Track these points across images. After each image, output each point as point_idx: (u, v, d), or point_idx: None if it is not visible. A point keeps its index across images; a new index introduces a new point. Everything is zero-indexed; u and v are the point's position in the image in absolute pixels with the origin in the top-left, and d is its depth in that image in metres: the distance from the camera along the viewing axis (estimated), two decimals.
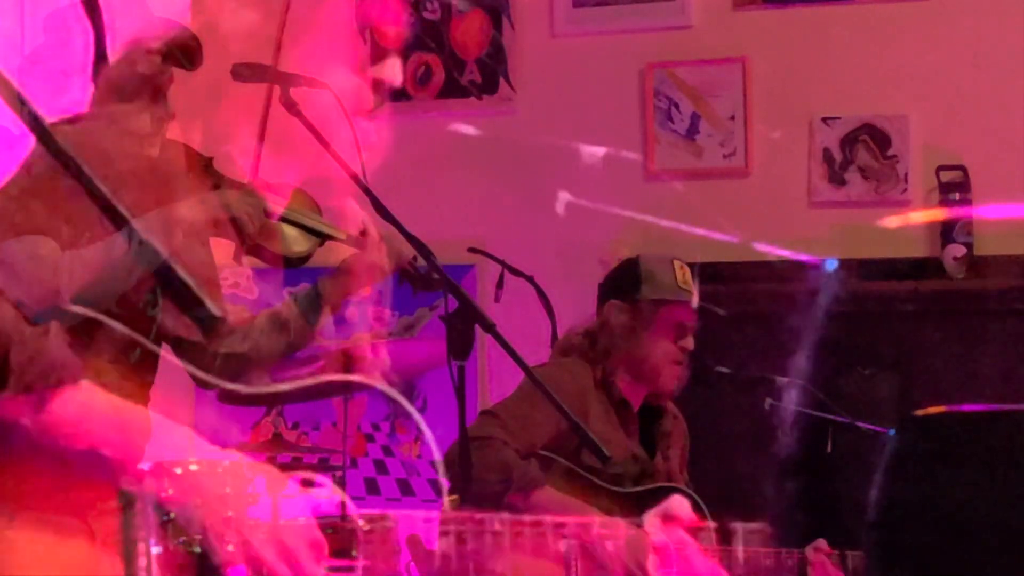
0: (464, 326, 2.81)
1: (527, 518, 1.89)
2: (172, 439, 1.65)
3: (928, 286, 4.67)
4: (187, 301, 1.54)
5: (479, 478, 2.96)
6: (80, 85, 2.83)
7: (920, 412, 1.76)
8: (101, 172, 1.53)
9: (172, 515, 1.58)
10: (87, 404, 1.64)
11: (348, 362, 3.61)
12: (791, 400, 4.16)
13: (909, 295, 4.68)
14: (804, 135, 4.88)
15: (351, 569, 1.75)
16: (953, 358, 4.57)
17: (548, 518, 1.92)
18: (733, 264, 4.77)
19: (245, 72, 3.05)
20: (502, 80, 5.18)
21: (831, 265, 4.66)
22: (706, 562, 2.71)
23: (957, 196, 4.65)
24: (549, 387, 2.86)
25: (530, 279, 4.46)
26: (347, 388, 3.93)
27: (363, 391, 4.55)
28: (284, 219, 3.08)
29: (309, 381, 2.73)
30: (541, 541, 1.87)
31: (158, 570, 1.57)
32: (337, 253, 3.14)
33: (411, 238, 2.89)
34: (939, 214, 4.68)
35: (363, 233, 3.09)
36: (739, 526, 2.84)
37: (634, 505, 3.37)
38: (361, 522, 1.75)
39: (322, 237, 3.15)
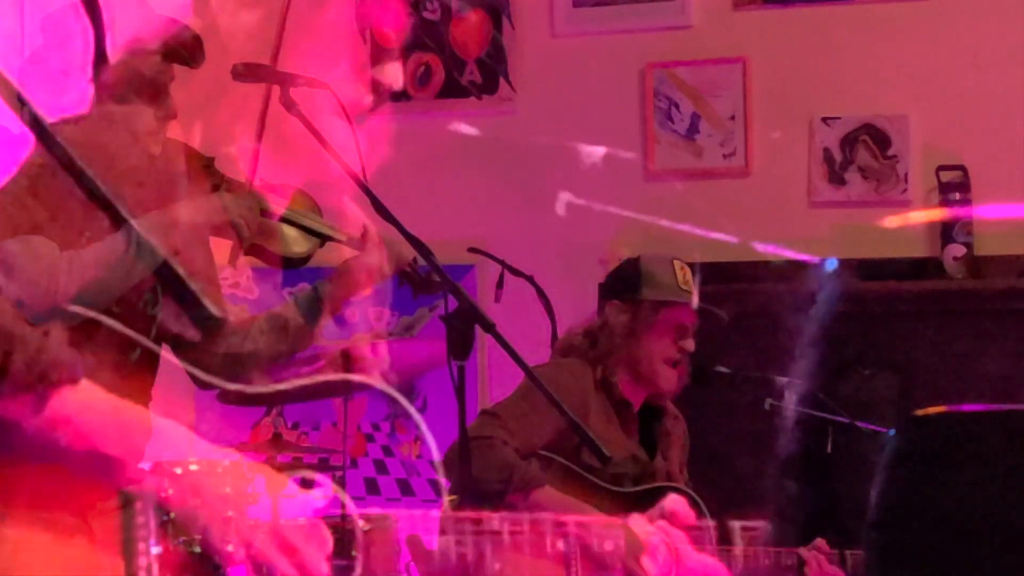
0: (464, 326, 2.81)
1: (526, 517, 1.89)
2: (171, 439, 1.65)
3: (928, 286, 4.67)
4: (187, 301, 1.54)
5: (479, 478, 2.96)
6: (80, 85, 2.83)
7: (920, 412, 1.76)
8: (102, 172, 1.53)
9: (172, 515, 1.58)
10: (87, 404, 1.64)
11: (348, 362, 3.61)
12: (791, 400, 4.16)
13: (909, 295, 4.68)
14: (804, 135, 4.88)
15: (351, 569, 1.75)
16: (953, 358, 4.56)
17: (547, 517, 1.92)
18: (733, 264, 4.77)
19: (245, 72, 3.05)
20: (502, 80, 5.18)
21: (831, 265, 4.66)
22: (700, 557, 2.71)
23: (957, 196, 4.65)
24: (549, 387, 2.86)
25: (530, 279, 4.46)
26: (347, 388, 3.93)
27: (363, 391, 4.54)
28: (284, 219, 3.08)
29: (309, 380, 2.73)
30: (540, 540, 1.87)
31: (158, 570, 1.57)
32: (337, 254, 3.14)
33: (411, 238, 2.89)
34: (939, 214, 4.68)
35: (363, 235, 3.09)
36: (736, 524, 2.84)
37: (634, 505, 3.37)
38: (361, 522, 1.75)
39: (322, 238, 3.15)
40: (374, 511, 1.81)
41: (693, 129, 5.00)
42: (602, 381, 3.60)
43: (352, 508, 1.78)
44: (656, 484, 3.53)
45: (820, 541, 3.59)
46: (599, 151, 4.87)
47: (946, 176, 4.68)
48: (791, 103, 4.89)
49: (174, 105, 2.93)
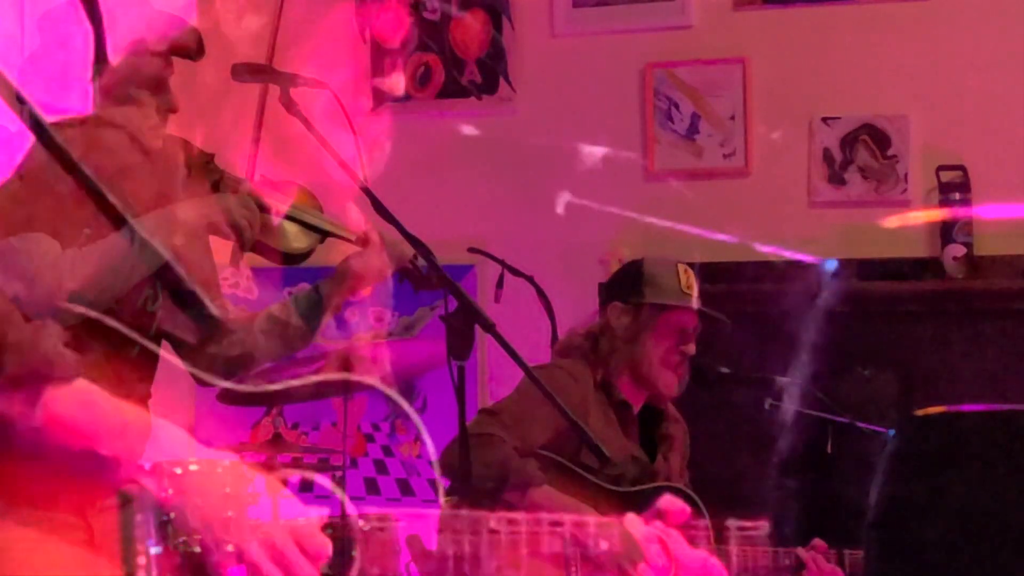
0: (464, 326, 2.81)
1: (524, 516, 1.89)
2: (167, 440, 1.64)
3: (928, 286, 4.67)
4: (187, 302, 1.55)
5: (476, 475, 2.96)
6: (80, 85, 2.83)
7: (920, 412, 1.76)
8: (102, 172, 1.53)
9: (172, 515, 1.58)
10: (82, 402, 1.63)
11: (348, 362, 3.61)
12: (791, 400, 4.16)
13: (909, 295, 4.68)
14: (804, 135, 4.88)
15: (350, 569, 1.75)
16: (953, 358, 4.56)
17: (545, 516, 1.92)
18: (733, 264, 4.77)
19: (245, 73, 3.05)
20: (502, 80, 5.18)
21: (831, 265, 4.66)
22: (697, 555, 2.71)
23: (957, 196, 4.65)
24: (548, 388, 2.86)
25: (530, 279, 4.45)
26: (346, 388, 3.92)
27: (363, 391, 4.55)
28: (285, 216, 3.08)
29: (308, 379, 2.73)
30: (538, 539, 1.87)
31: (157, 570, 1.57)
32: (338, 253, 3.14)
33: (411, 238, 2.89)
34: (939, 214, 4.68)
35: (363, 235, 3.09)
36: (733, 524, 2.83)
37: (633, 506, 3.37)
38: (361, 522, 1.75)
39: (323, 234, 3.15)
40: (374, 511, 1.80)
41: (693, 129, 5.00)
42: (602, 383, 3.60)
43: (352, 508, 1.78)
44: (655, 484, 3.53)
45: (817, 541, 3.58)
46: (599, 151, 4.87)
47: (946, 176, 4.68)
48: (791, 103, 4.89)
49: (175, 98, 2.93)
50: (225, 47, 3.12)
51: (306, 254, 3.14)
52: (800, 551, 3.54)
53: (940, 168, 4.68)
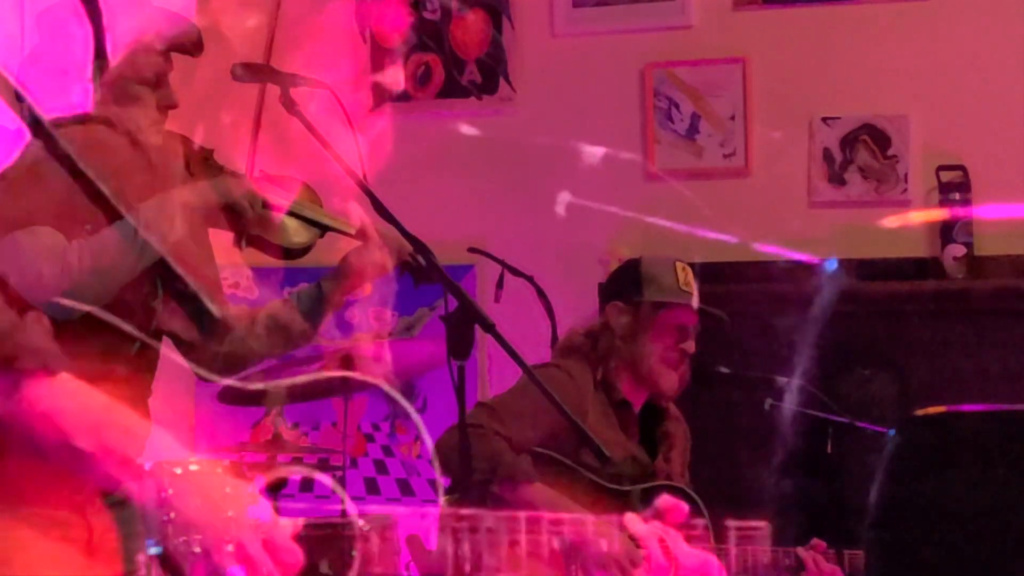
0: (464, 326, 2.81)
1: (523, 514, 1.89)
2: (155, 444, 1.63)
3: (928, 286, 4.67)
4: (187, 298, 1.54)
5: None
6: (80, 83, 2.84)
7: (920, 412, 1.76)
8: (99, 170, 1.53)
9: (172, 515, 1.58)
10: (63, 396, 1.62)
11: (348, 362, 3.61)
12: (791, 400, 4.17)
13: (909, 295, 4.68)
14: (804, 135, 4.88)
15: (351, 569, 1.75)
16: (953, 358, 4.56)
17: (545, 515, 1.92)
18: (733, 264, 4.77)
19: (245, 73, 3.05)
20: (502, 80, 5.18)
21: (831, 265, 4.66)
22: (696, 553, 2.71)
23: (957, 196, 4.65)
24: (547, 387, 2.86)
25: (530, 279, 4.45)
26: (347, 386, 3.93)
27: (363, 391, 4.54)
28: (285, 211, 3.08)
29: (308, 377, 2.73)
30: (538, 539, 1.87)
31: (157, 570, 1.57)
32: (340, 251, 3.14)
33: (411, 238, 2.89)
34: (939, 214, 4.67)
35: (362, 231, 3.09)
36: (732, 524, 2.84)
37: (633, 505, 3.37)
38: (361, 522, 1.75)
39: (323, 228, 3.15)
40: (374, 511, 1.80)
41: (693, 129, 5.00)
42: (602, 382, 3.60)
43: (352, 508, 1.78)
44: (654, 483, 3.53)
45: (817, 540, 3.58)
46: (599, 151, 4.87)
47: (946, 176, 4.68)
48: (791, 103, 4.89)
49: (175, 95, 2.93)
50: (224, 44, 3.12)
51: (306, 249, 3.14)
52: (800, 551, 3.54)
53: (940, 168, 4.68)
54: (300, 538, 1.65)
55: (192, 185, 2.88)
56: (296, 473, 1.75)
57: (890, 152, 4.80)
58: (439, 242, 3.07)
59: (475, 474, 3.16)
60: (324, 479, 1.80)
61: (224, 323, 2.95)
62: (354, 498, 1.78)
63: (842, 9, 4.88)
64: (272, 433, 5.14)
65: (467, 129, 5.03)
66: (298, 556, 1.63)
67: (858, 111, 4.83)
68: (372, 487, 5.20)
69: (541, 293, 4.44)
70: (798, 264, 4.65)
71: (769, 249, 4.68)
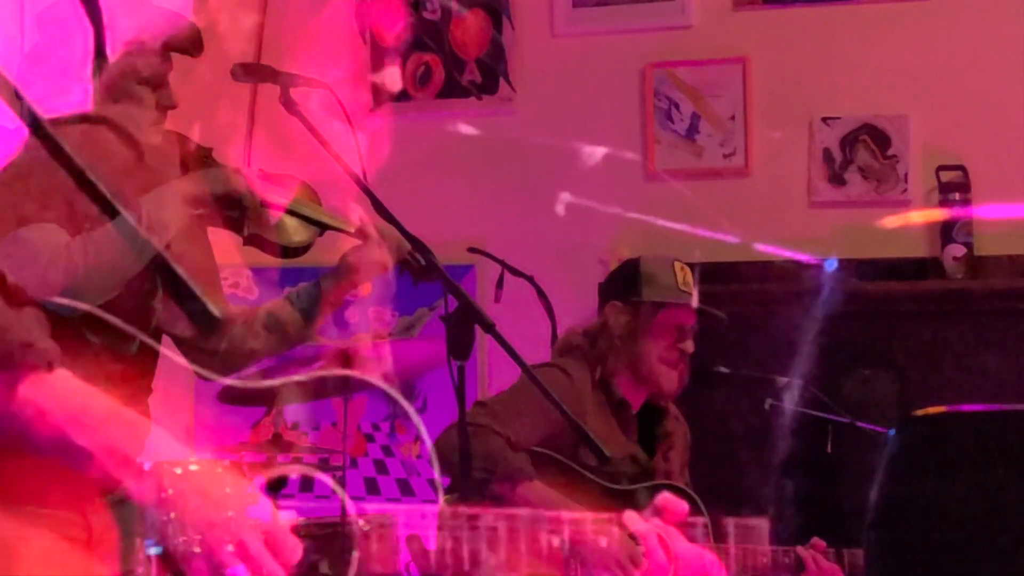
0: (464, 326, 2.81)
1: (521, 512, 1.89)
2: (153, 443, 1.63)
3: (928, 286, 4.67)
4: (187, 299, 1.54)
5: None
6: (80, 83, 2.83)
7: (920, 412, 1.76)
8: (98, 168, 1.53)
9: (172, 515, 1.58)
10: (58, 392, 1.61)
11: (348, 362, 3.61)
12: (791, 400, 4.17)
13: (909, 295, 4.68)
14: (804, 135, 4.88)
15: (351, 569, 1.75)
16: (953, 358, 4.56)
17: (544, 513, 1.92)
18: (733, 264, 4.77)
19: (245, 73, 3.05)
20: (502, 80, 5.18)
21: (831, 265, 4.66)
22: (695, 550, 2.71)
23: (957, 196, 4.65)
24: (547, 385, 2.86)
25: (530, 279, 4.45)
26: (346, 387, 3.92)
27: (363, 391, 4.54)
28: (284, 209, 3.08)
29: (308, 375, 2.73)
30: (536, 536, 1.87)
31: (157, 570, 1.57)
32: (339, 251, 3.14)
33: (411, 238, 2.89)
34: (939, 214, 4.67)
35: (361, 230, 3.09)
36: (731, 521, 2.84)
37: (632, 505, 3.36)
38: (361, 522, 1.75)
39: (322, 227, 3.15)
40: (374, 511, 1.80)
41: (693, 129, 5.00)
42: (601, 381, 3.60)
43: (352, 508, 1.78)
44: (654, 483, 3.53)
45: (817, 539, 3.58)
46: (599, 151, 4.87)
47: (946, 176, 4.68)
48: (791, 103, 4.89)
49: (173, 95, 2.93)
50: (220, 44, 3.12)
51: (306, 247, 3.14)
52: (799, 550, 3.54)
53: (940, 168, 4.68)
54: (299, 536, 1.65)
55: (193, 175, 2.89)
56: (296, 472, 1.75)
57: (890, 152, 4.80)
58: (439, 242, 3.07)
59: (474, 472, 3.16)
60: (324, 479, 1.80)
61: (223, 322, 2.95)
62: (354, 498, 1.78)
63: (842, 9, 4.88)
64: (272, 433, 5.14)
65: (467, 129, 5.03)
66: (297, 546, 1.63)
67: (858, 111, 4.83)
68: (372, 487, 5.20)
69: (541, 293, 4.44)
70: (798, 264, 4.65)
71: (769, 249, 4.68)
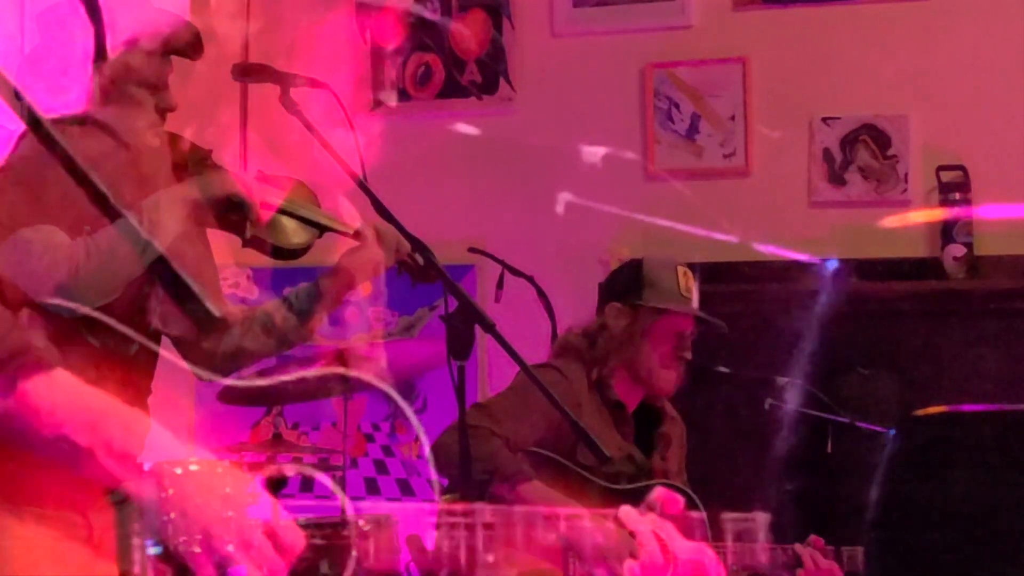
0: (464, 326, 2.81)
1: (519, 510, 1.89)
2: (153, 441, 1.62)
3: (928, 286, 4.67)
4: (186, 299, 1.54)
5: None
6: (80, 83, 2.83)
7: (920, 412, 1.76)
8: (101, 168, 1.53)
9: (172, 515, 1.57)
10: (58, 391, 1.61)
11: (346, 362, 3.61)
12: (791, 400, 4.16)
13: (909, 295, 4.68)
14: (804, 135, 4.88)
15: (351, 569, 1.75)
16: (953, 358, 4.56)
17: (540, 510, 1.92)
18: (733, 264, 4.77)
19: (244, 73, 3.05)
20: (502, 80, 5.18)
21: (831, 265, 4.66)
22: (692, 545, 2.71)
23: (957, 196, 4.65)
24: (545, 384, 2.85)
25: (530, 279, 4.45)
26: (346, 386, 3.93)
27: (363, 391, 4.55)
28: (283, 211, 3.08)
29: (308, 374, 2.72)
30: (533, 534, 1.87)
31: (156, 570, 1.57)
32: (338, 251, 3.14)
33: (411, 238, 2.89)
34: (939, 214, 4.67)
35: (359, 231, 3.09)
36: (729, 518, 2.84)
37: (628, 504, 3.36)
38: (361, 522, 1.75)
39: (320, 228, 3.15)
40: (374, 511, 1.80)
41: (693, 129, 5.00)
42: (597, 382, 3.59)
43: (352, 508, 1.78)
44: (651, 482, 3.52)
45: (815, 537, 3.58)
46: (599, 151, 4.87)
47: (946, 176, 4.68)
48: (791, 103, 4.89)
49: (173, 97, 2.93)
50: (219, 45, 3.12)
51: (305, 249, 3.14)
52: (797, 547, 3.54)
53: (940, 168, 4.68)
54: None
55: (195, 179, 2.89)
56: (295, 470, 1.75)
57: (890, 152, 4.80)
58: (439, 242, 3.07)
59: (474, 474, 3.16)
60: (324, 479, 1.80)
61: (222, 322, 2.95)
62: (354, 498, 1.78)
63: (842, 9, 4.88)
64: (272, 433, 5.15)
65: (467, 129, 5.03)
66: (300, 538, 1.63)
67: (858, 111, 4.83)
68: (372, 487, 5.20)
69: (541, 293, 4.43)
70: (798, 264, 4.65)
71: (769, 249, 4.68)
